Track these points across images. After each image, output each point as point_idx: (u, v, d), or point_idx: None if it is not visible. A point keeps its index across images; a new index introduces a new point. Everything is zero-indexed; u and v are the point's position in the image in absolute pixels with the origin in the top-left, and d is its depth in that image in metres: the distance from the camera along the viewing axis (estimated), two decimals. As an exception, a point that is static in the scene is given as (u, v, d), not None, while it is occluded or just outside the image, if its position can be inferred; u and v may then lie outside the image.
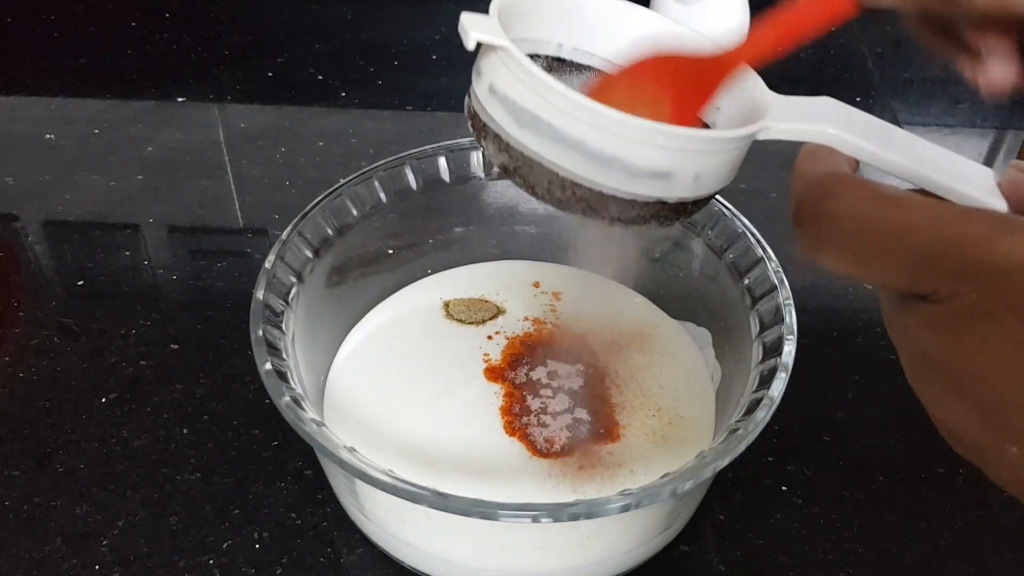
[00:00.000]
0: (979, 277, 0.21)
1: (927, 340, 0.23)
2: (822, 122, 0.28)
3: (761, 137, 0.29)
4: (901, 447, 0.45)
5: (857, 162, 0.28)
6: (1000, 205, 0.27)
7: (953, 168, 0.28)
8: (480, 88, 0.28)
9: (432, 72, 0.70)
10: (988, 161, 0.64)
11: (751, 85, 0.31)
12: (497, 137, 0.28)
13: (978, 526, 0.41)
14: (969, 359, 0.22)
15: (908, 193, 0.24)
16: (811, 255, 0.24)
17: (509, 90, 0.27)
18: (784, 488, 0.43)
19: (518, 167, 0.28)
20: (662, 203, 0.28)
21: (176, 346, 0.49)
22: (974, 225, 0.22)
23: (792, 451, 0.44)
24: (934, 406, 0.24)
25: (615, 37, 0.32)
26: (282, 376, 0.35)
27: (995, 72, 0.28)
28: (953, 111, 0.68)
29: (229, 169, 0.61)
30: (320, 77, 0.69)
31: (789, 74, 0.71)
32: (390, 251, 0.47)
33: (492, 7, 0.28)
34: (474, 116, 0.29)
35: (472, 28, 0.26)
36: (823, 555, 0.40)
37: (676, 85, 0.31)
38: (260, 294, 0.38)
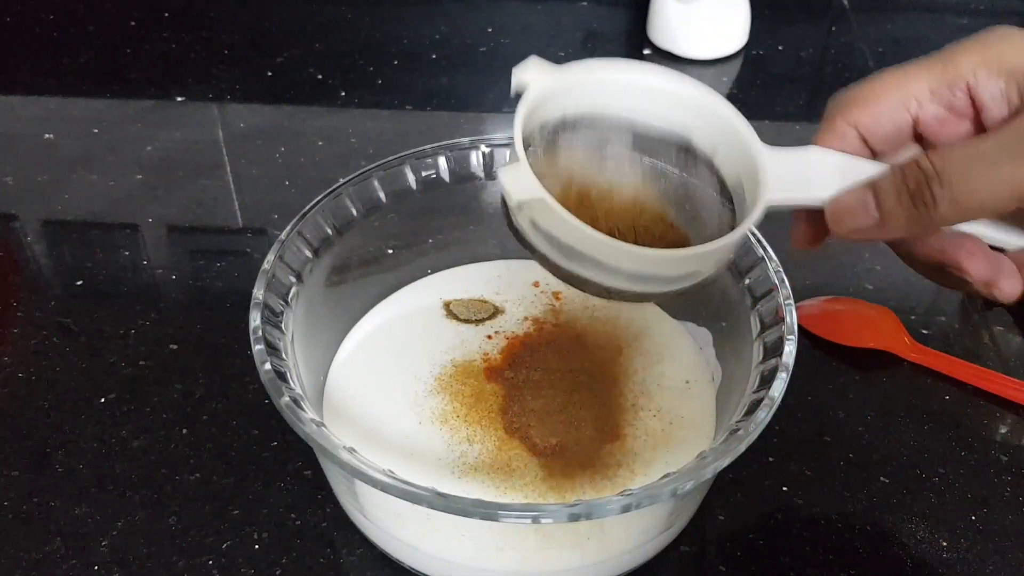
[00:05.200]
0: None
1: None
2: (814, 188, 0.32)
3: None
4: (901, 447, 0.45)
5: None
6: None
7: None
8: (522, 219, 0.31)
9: (432, 72, 0.70)
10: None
11: (746, 138, 0.33)
12: (545, 258, 0.32)
13: (978, 526, 0.41)
14: None
15: None
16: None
17: (554, 231, 0.30)
18: (785, 488, 0.43)
19: (566, 277, 0.32)
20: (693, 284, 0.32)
21: (175, 346, 0.49)
22: None
23: (793, 451, 0.44)
24: None
25: (620, 94, 0.34)
26: (281, 376, 0.35)
27: (1006, 285, 0.31)
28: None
29: (228, 169, 0.61)
30: (320, 77, 0.69)
31: (790, 74, 0.71)
32: (390, 251, 0.47)
33: (517, 152, 0.30)
34: (518, 234, 0.32)
35: (513, 190, 0.29)
36: (823, 555, 0.40)
37: None
38: (259, 294, 0.38)
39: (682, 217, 0.34)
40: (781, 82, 0.70)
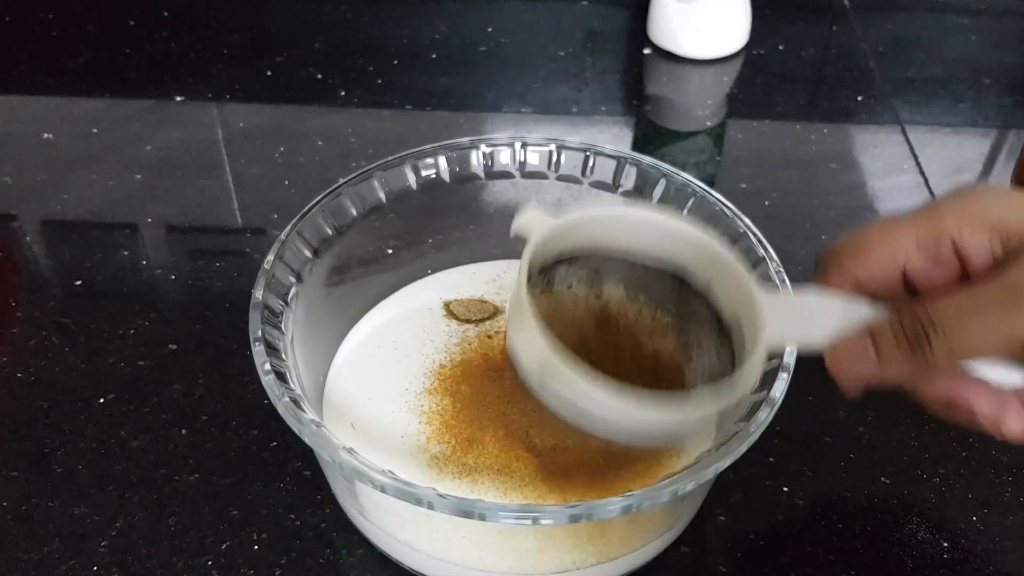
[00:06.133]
0: None
1: None
2: (813, 331, 0.32)
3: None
4: (901, 447, 0.45)
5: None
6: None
7: None
8: (531, 379, 0.31)
9: (432, 71, 0.70)
10: (990, 161, 0.64)
11: (743, 279, 0.33)
12: (556, 412, 0.31)
13: (979, 526, 0.41)
14: None
15: None
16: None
17: (564, 391, 0.30)
18: (785, 489, 0.43)
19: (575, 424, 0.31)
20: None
21: (175, 346, 0.49)
22: None
23: (793, 451, 0.44)
24: None
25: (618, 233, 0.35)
26: (281, 377, 0.35)
27: (1012, 423, 0.32)
28: (954, 110, 0.68)
29: (228, 168, 0.61)
30: (319, 76, 0.69)
31: (790, 73, 0.71)
32: (390, 251, 0.47)
33: (530, 318, 0.30)
34: (523, 386, 0.32)
35: (525, 356, 0.30)
36: (824, 556, 0.40)
37: None
38: (259, 294, 0.38)
39: (679, 351, 0.35)
40: (782, 82, 0.70)
